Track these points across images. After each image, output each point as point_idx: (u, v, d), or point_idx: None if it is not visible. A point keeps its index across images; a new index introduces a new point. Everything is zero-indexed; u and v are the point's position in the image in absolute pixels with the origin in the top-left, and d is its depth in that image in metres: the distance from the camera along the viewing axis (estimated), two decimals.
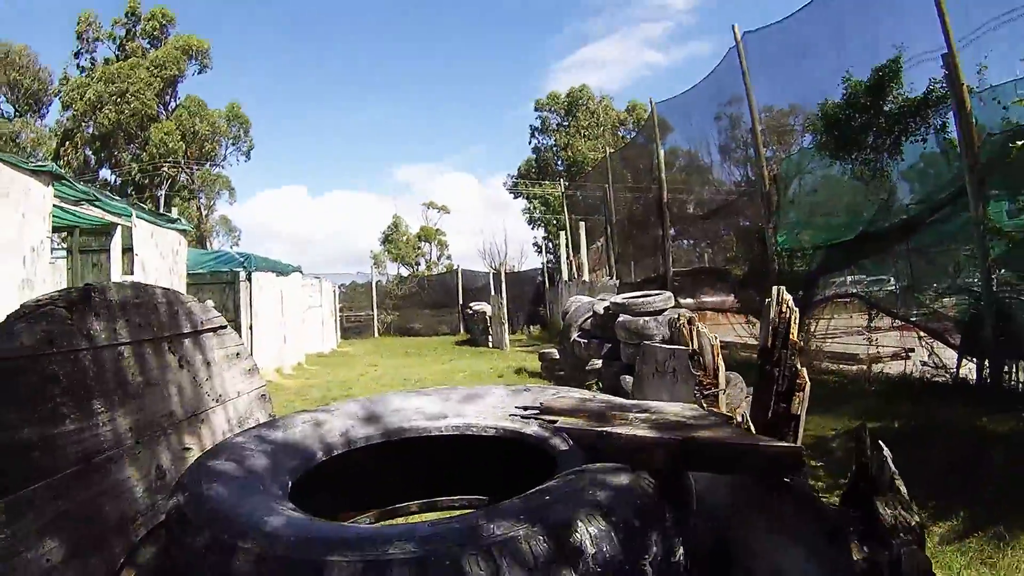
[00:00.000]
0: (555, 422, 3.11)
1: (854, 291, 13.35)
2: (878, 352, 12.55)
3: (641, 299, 10.37)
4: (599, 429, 2.75)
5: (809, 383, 3.19)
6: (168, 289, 3.71)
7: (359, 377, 20.52)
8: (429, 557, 2.06)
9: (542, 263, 44.41)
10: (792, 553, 2.33)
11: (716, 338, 3.56)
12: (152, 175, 51.60)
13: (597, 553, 2.18)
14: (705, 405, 3.16)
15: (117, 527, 2.83)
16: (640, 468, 2.58)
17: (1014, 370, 9.67)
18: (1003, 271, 9.81)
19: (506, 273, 39.90)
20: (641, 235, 23.96)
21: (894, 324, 12.12)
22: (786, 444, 2.43)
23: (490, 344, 28.96)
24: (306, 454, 3.31)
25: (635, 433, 2.67)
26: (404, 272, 56.77)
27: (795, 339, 3.27)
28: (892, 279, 12.94)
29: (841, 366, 13.55)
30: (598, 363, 10.83)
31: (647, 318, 9.88)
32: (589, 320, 11.60)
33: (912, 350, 11.68)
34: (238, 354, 4.22)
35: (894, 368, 12.05)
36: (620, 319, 10.15)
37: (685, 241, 22.19)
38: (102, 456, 2.81)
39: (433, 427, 3.70)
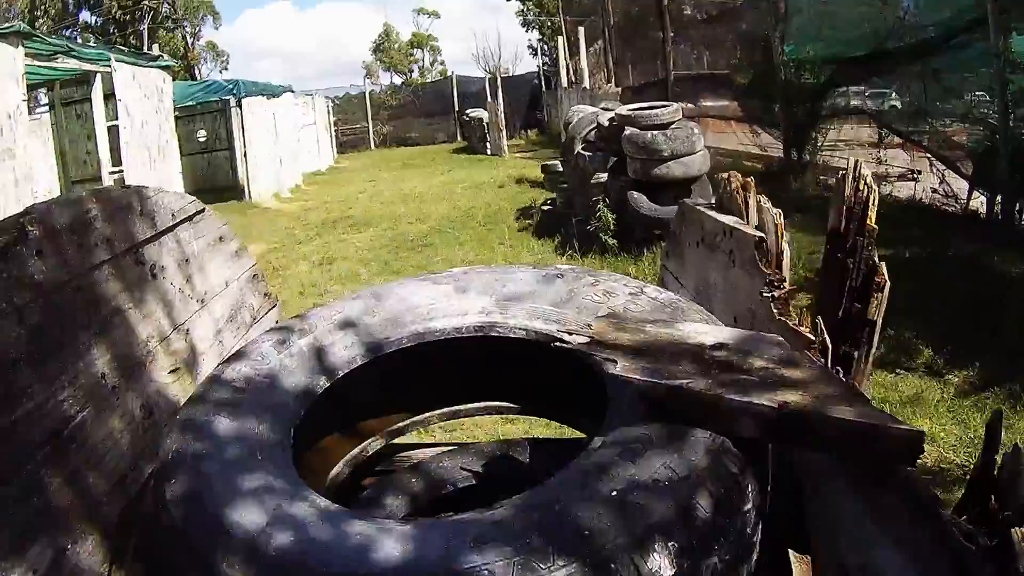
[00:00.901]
0: (613, 362, 2.50)
1: (864, 108, 12.75)
2: (886, 171, 12.08)
3: (647, 111, 9.80)
4: (671, 384, 2.16)
5: (889, 282, 2.64)
6: (128, 188, 3.12)
7: (358, 195, 20.17)
8: None
9: (538, 66, 43.28)
10: (902, 564, 1.77)
11: (780, 215, 2.94)
12: (133, 10, 49.33)
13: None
14: (776, 312, 2.56)
15: (107, 496, 2.34)
16: (719, 434, 1.98)
17: None
18: (1021, 107, 9.28)
19: (501, 78, 38.66)
20: (640, 39, 23.08)
21: (904, 147, 11.61)
22: (910, 427, 1.85)
23: (488, 151, 28.33)
24: (307, 384, 2.68)
25: (719, 392, 2.06)
26: (397, 81, 55.54)
27: (872, 224, 2.67)
28: (895, 94, 12.28)
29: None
30: (603, 177, 10.37)
31: (655, 132, 9.33)
32: (593, 132, 11.04)
33: (920, 172, 11.21)
34: (220, 238, 3.67)
35: (902, 192, 11.66)
36: (626, 132, 9.59)
37: (684, 46, 21.30)
38: (74, 423, 2.29)
39: (451, 327, 3.13)
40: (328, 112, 34.60)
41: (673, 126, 9.50)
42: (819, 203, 12.38)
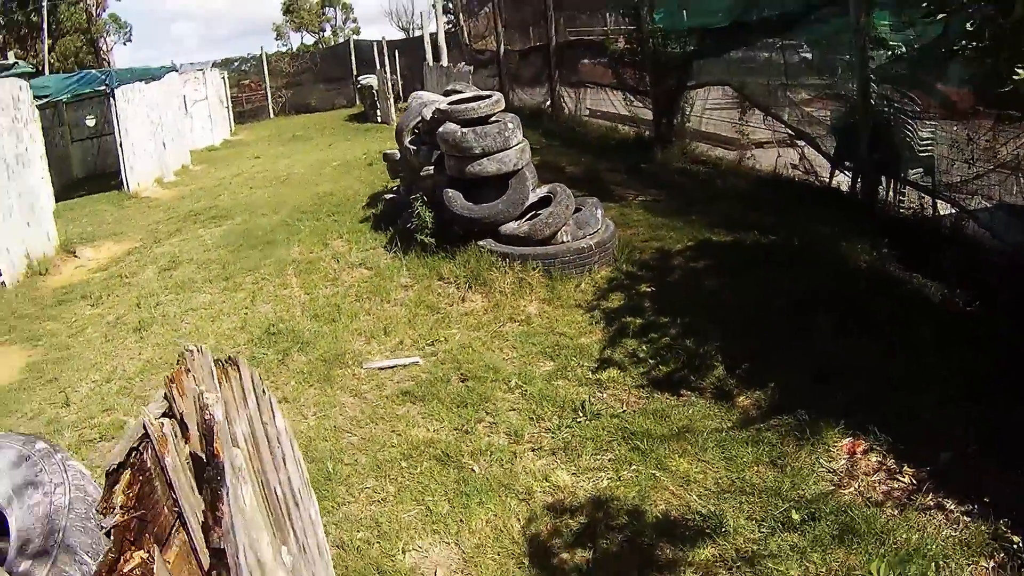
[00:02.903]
0: None
1: (728, 80, 12.21)
2: (748, 139, 11.59)
3: (465, 104, 9.05)
4: None
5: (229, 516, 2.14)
6: None
7: (234, 178, 19.66)
8: None
9: (434, 19, 42.43)
10: None
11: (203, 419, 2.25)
12: None
13: None
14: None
15: None
16: None
17: (889, 188, 8.72)
18: (883, 85, 8.60)
19: (399, 41, 37.55)
20: (526, 4, 22.42)
21: (765, 121, 11.07)
22: None
23: (379, 119, 27.46)
24: None
25: None
26: (309, 40, 54.48)
27: (219, 453, 2.14)
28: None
29: (717, 151, 12.58)
30: (431, 170, 9.65)
31: (466, 129, 8.45)
32: (419, 124, 10.43)
33: (793, 134, 10.53)
34: None
35: (765, 163, 10.93)
36: (440, 130, 8.77)
37: (565, 12, 20.56)
38: None
39: None
40: (225, 83, 32.97)
41: (490, 120, 8.88)
42: (681, 178, 11.82)
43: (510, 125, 8.75)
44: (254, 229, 12.59)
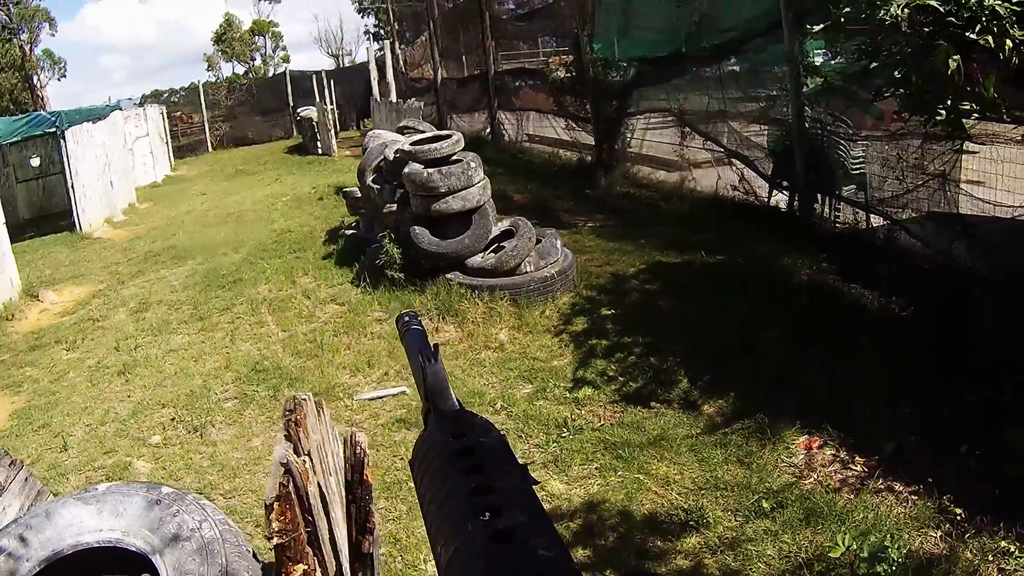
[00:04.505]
0: None
1: (668, 106, 12.74)
2: (688, 163, 12.12)
3: (428, 145, 9.53)
4: None
5: (377, 527, 2.72)
6: None
7: (185, 216, 19.78)
8: None
9: (372, 52, 42.69)
10: None
11: (306, 461, 2.83)
12: None
13: None
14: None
15: None
16: None
17: (824, 204, 9.32)
18: (816, 108, 9.23)
19: (334, 71, 37.82)
20: (464, 31, 22.92)
21: (705, 145, 11.66)
22: None
23: (319, 151, 27.69)
24: None
25: None
26: (240, 70, 54.44)
27: (368, 479, 2.71)
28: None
29: (658, 174, 13.08)
30: (393, 207, 10.17)
31: (431, 169, 9.00)
32: (381, 163, 10.89)
33: (731, 157, 11.15)
34: None
35: (706, 185, 11.47)
36: (406, 170, 9.20)
37: (503, 40, 21.15)
38: None
39: (93, 540, 3.37)
40: (163, 119, 32.93)
41: (453, 159, 9.40)
42: (625, 202, 12.42)
43: (472, 164, 9.26)
44: (218, 268, 12.81)
